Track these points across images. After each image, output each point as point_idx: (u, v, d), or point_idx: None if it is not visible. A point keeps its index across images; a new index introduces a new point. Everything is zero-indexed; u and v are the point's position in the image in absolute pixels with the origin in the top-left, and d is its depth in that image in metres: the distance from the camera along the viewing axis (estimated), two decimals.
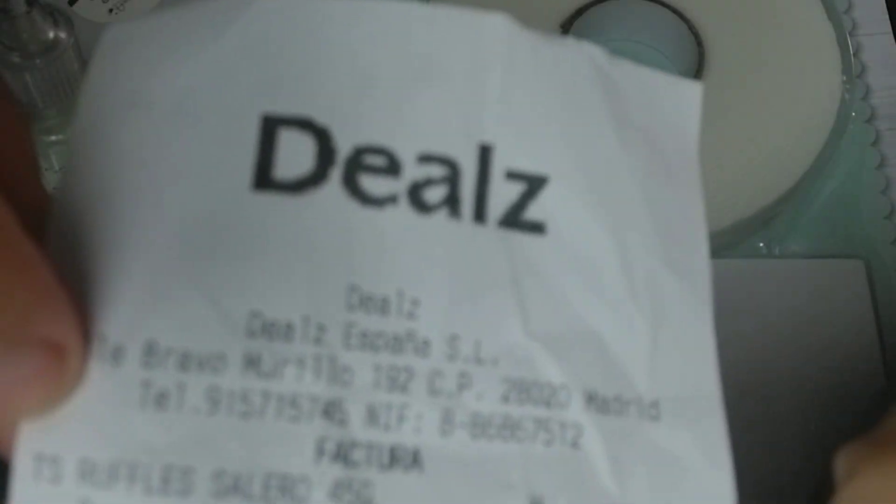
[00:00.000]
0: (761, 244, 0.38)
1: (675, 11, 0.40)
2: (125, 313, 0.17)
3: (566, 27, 0.40)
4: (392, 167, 0.18)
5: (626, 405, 0.19)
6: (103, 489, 0.16)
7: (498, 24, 0.19)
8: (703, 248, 0.21)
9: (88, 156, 0.18)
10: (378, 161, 0.18)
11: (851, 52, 0.40)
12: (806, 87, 0.39)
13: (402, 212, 0.18)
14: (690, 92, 0.21)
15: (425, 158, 0.19)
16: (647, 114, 0.21)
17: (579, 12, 0.40)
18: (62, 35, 0.32)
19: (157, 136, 0.18)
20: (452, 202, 0.19)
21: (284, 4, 0.19)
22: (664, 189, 0.21)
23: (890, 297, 0.37)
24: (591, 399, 0.19)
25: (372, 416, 0.18)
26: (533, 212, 0.19)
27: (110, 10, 0.39)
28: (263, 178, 0.18)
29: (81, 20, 0.39)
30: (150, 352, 0.17)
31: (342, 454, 0.17)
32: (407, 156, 0.19)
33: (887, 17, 0.44)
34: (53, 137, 0.33)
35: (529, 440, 0.19)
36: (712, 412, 0.20)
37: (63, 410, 0.17)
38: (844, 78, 0.40)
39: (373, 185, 0.18)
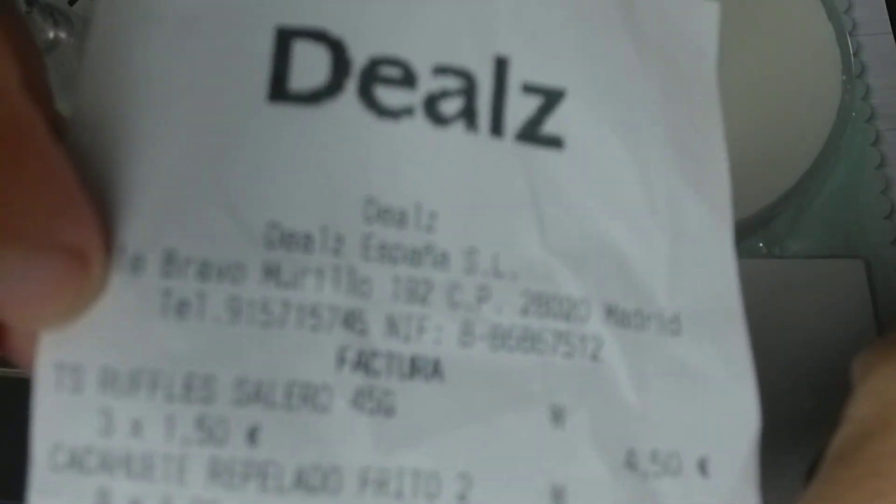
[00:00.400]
0: (761, 244, 0.38)
1: None
2: (144, 223, 0.17)
3: None
4: (407, 78, 0.18)
5: (647, 319, 0.19)
6: (125, 397, 0.16)
7: None
8: (723, 167, 0.20)
9: (103, 70, 0.18)
10: (393, 72, 0.18)
11: (851, 52, 0.40)
12: (806, 87, 0.39)
13: (418, 124, 0.18)
14: (708, 11, 0.21)
15: (441, 70, 0.19)
16: (665, 32, 0.21)
17: None
18: (62, 35, 0.31)
19: (170, 50, 0.17)
20: (469, 115, 0.19)
21: None
22: (683, 108, 0.20)
23: (890, 297, 0.37)
24: (611, 312, 0.19)
25: (392, 326, 0.18)
26: (550, 126, 0.19)
27: None
28: (279, 90, 0.18)
29: (81, 20, 0.39)
30: (170, 261, 0.17)
31: (363, 363, 0.17)
32: (422, 67, 0.18)
33: (887, 17, 0.44)
34: None
35: (549, 352, 0.19)
36: (734, 326, 0.20)
37: (84, 320, 0.16)
38: (844, 78, 0.40)
39: (388, 96, 0.18)
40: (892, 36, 0.44)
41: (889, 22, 0.44)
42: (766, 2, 0.41)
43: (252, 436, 0.17)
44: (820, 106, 0.39)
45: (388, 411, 0.17)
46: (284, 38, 0.18)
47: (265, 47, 0.18)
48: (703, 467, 0.19)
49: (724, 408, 0.19)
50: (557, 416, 0.18)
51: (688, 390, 0.19)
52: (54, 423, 0.17)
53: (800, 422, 0.35)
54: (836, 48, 0.40)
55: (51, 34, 0.31)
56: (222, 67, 0.18)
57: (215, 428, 0.17)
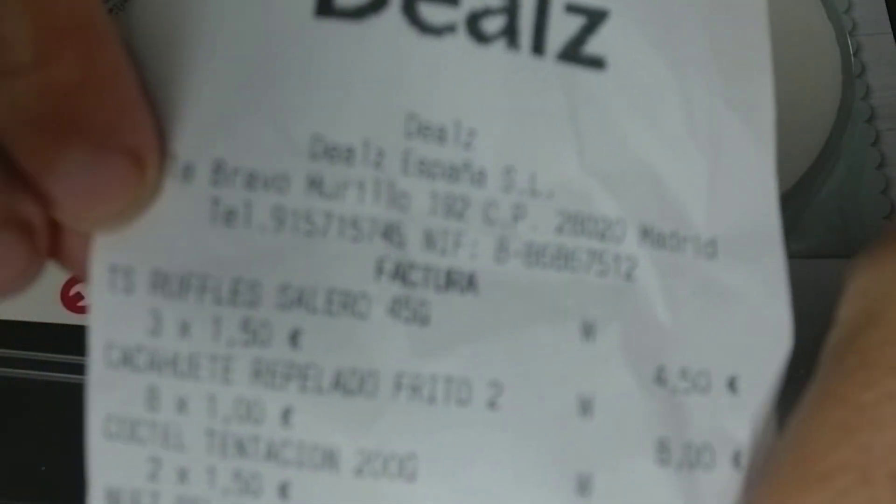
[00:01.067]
0: None
1: None
2: (194, 133, 0.17)
3: None
4: None
5: (683, 241, 0.20)
6: (174, 299, 0.17)
7: None
8: (768, 92, 0.20)
9: None
10: None
11: (851, 52, 0.40)
12: (806, 87, 0.39)
13: (460, 41, 0.19)
14: None
15: None
16: None
17: None
18: None
19: None
20: (511, 33, 0.19)
21: None
22: (728, 31, 0.20)
23: None
24: (647, 233, 0.19)
25: (429, 240, 0.18)
26: (593, 46, 0.19)
27: (111, 10, 0.39)
28: (325, 5, 0.18)
29: None
30: (219, 170, 0.17)
31: (400, 274, 0.18)
32: None
33: (887, 17, 0.44)
34: None
35: (583, 270, 0.19)
36: (771, 247, 0.20)
37: (136, 225, 0.17)
38: (844, 78, 0.40)
39: (431, 13, 0.18)
40: (892, 36, 0.44)
41: (889, 22, 0.44)
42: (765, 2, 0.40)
43: (294, 339, 0.17)
44: (820, 106, 0.39)
45: (424, 320, 0.18)
46: None
47: None
48: (732, 385, 0.19)
49: (757, 326, 0.19)
50: (588, 330, 0.19)
51: (721, 310, 0.19)
52: (108, 322, 0.17)
53: None
54: (836, 48, 0.40)
55: None
56: None
57: (259, 330, 0.17)
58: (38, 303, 0.37)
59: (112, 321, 0.17)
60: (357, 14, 0.18)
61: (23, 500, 0.34)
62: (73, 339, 0.37)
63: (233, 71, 0.18)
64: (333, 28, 0.18)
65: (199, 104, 0.17)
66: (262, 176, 0.17)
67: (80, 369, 0.36)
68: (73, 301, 0.37)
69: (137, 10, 0.18)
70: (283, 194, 0.18)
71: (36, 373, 0.36)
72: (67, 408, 0.36)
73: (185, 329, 0.17)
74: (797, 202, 0.38)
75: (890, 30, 0.44)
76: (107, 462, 0.17)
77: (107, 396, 0.17)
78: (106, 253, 0.17)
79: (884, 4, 0.44)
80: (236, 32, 0.18)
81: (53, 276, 0.37)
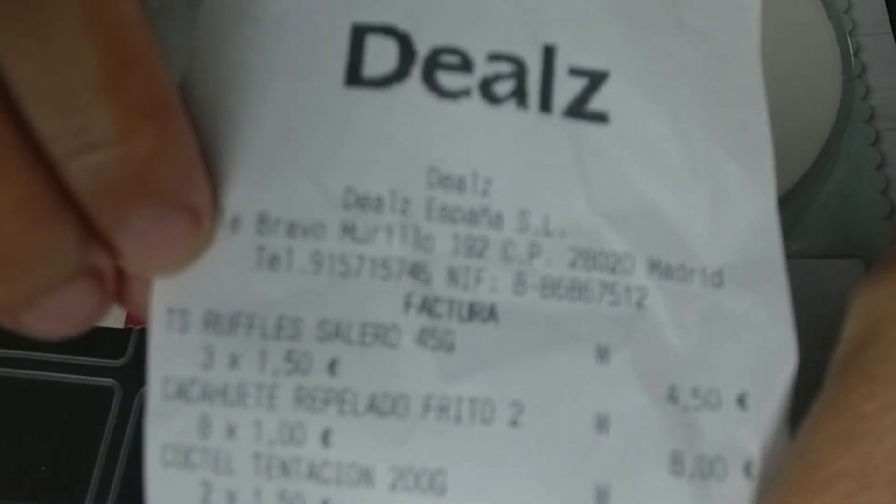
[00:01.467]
0: None
1: None
2: (241, 189, 0.20)
3: None
4: (465, 65, 0.21)
5: (690, 273, 0.21)
6: (225, 335, 0.19)
7: None
8: (765, 137, 0.22)
9: (207, 60, 0.21)
10: (453, 60, 0.21)
11: (851, 52, 0.40)
12: (806, 87, 0.39)
13: (475, 103, 0.21)
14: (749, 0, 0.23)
15: (495, 57, 0.21)
16: (705, 18, 0.23)
17: None
18: None
19: (263, 44, 0.21)
20: (520, 94, 0.21)
21: None
22: (723, 84, 0.22)
23: None
24: (655, 266, 0.21)
25: (452, 276, 0.20)
26: (596, 103, 0.21)
27: None
28: (354, 76, 0.21)
29: None
30: (263, 221, 0.20)
31: (427, 307, 0.20)
32: (478, 55, 0.21)
33: (887, 17, 0.44)
34: None
35: (596, 300, 0.21)
36: (775, 276, 0.21)
37: (191, 271, 0.19)
38: (844, 78, 0.40)
39: (448, 80, 0.21)
40: (892, 36, 0.44)
41: (889, 22, 0.44)
42: (766, 2, 0.40)
43: (332, 367, 0.19)
44: (820, 106, 0.39)
45: (449, 348, 0.20)
46: (359, 33, 0.21)
47: (342, 41, 0.21)
48: (741, 401, 0.20)
49: (763, 348, 0.21)
50: (602, 354, 0.20)
51: (728, 334, 0.21)
52: (165, 358, 0.19)
53: (799, 421, 0.35)
54: (836, 48, 0.40)
55: None
56: (306, 58, 0.21)
57: (301, 360, 0.19)
58: None
59: (169, 358, 0.19)
60: (382, 83, 0.21)
61: (23, 500, 0.34)
62: (73, 340, 0.37)
63: (274, 134, 0.20)
64: (361, 95, 0.20)
65: (245, 163, 0.20)
66: (301, 225, 0.20)
67: (80, 369, 0.36)
68: None
69: (191, 80, 0.20)
70: (321, 240, 0.20)
71: (36, 373, 0.36)
72: (67, 408, 0.36)
73: (234, 361, 0.19)
74: (797, 202, 0.38)
75: (890, 30, 0.44)
76: (163, 489, 0.19)
77: (163, 427, 0.19)
78: (164, 297, 0.19)
79: (884, 4, 0.44)
80: (277, 101, 0.20)
81: None
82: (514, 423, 0.20)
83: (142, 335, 0.37)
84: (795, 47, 0.40)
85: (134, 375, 0.36)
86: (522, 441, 0.19)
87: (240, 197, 0.20)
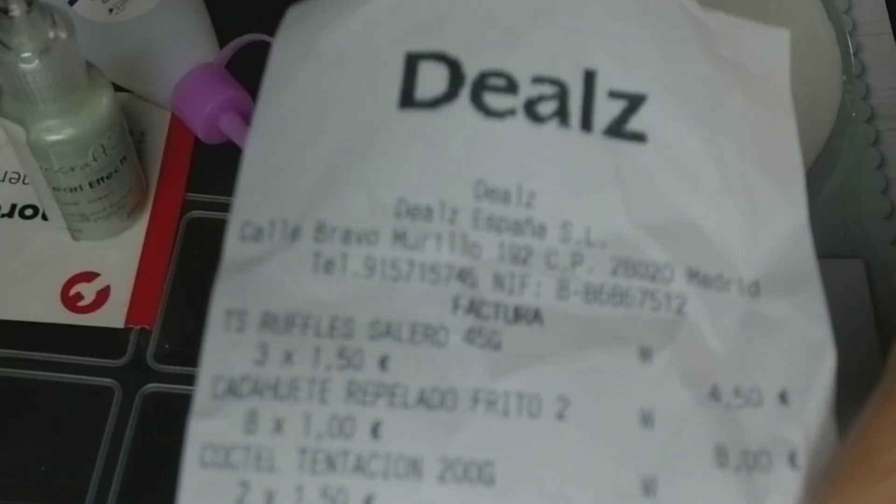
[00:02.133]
0: None
1: None
2: (301, 202, 0.21)
3: None
4: (511, 87, 0.22)
5: (728, 283, 0.22)
6: (280, 334, 0.20)
7: None
8: (796, 157, 0.23)
9: (276, 93, 0.22)
10: (499, 82, 0.22)
11: (851, 52, 0.40)
12: (806, 87, 0.39)
13: (520, 122, 0.22)
14: (778, 37, 0.25)
15: (538, 80, 0.23)
16: (738, 52, 0.24)
17: None
18: (62, 35, 0.31)
19: (325, 76, 0.23)
20: (562, 114, 0.22)
21: None
22: (756, 110, 0.24)
23: (890, 297, 0.37)
24: (693, 275, 0.22)
25: (498, 282, 0.21)
26: (634, 124, 0.23)
27: (110, 10, 0.39)
28: (407, 99, 0.22)
29: (81, 20, 0.39)
30: (320, 230, 0.21)
31: (474, 308, 0.21)
32: (523, 78, 0.22)
33: (887, 17, 0.44)
34: (53, 137, 0.33)
35: (637, 306, 0.21)
36: (810, 284, 0.22)
37: (250, 276, 0.21)
38: (844, 78, 0.40)
39: (495, 101, 0.22)
40: (892, 36, 0.44)
41: (889, 22, 0.44)
42: (766, 2, 0.40)
43: (383, 363, 0.20)
44: (820, 106, 0.39)
45: (496, 346, 0.20)
46: (412, 61, 0.22)
47: (397, 69, 0.22)
48: (783, 398, 0.21)
49: (801, 347, 0.21)
50: (645, 354, 0.21)
51: (767, 337, 0.22)
52: (218, 358, 0.20)
53: None
54: (836, 48, 0.40)
55: (51, 34, 0.31)
56: (364, 86, 0.22)
57: (353, 357, 0.20)
58: (38, 303, 0.37)
59: (222, 357, 0.20)
60: (433, 104, 0.22)
61: (23, 500, 0.34)
62: (73, 339, 0.37)
63: (333, 154, 0.22)
64: (414, 116, 0.22)
65: (306, 180, 0.21)
66: (355, 232, 0.21)
67: (80, 369, 0.36)
68: (73, 301, 0.37)
69: (265, 114, 0.22)
70: (373, 246, 0.21)
71: (36, 373, 0.36)
72: (67, 408, 0.36)
73: (287, 358, 0.20)
74: None
75: (890, 30, 0.44)
76: (197, 491, 0.19)
77: (207, 426, 0.20)
78: (223, 300, 0.20)
79: (884, 4, 0.44)
80: (337, 125, 0.22)
81: (53, 276, 0.38)
82: (560, 416, 0.20)
83: (142, 335, 0.37)
84: (795, 47, 0.40)
85: (134, 375, 0.36)
86: (569, 434, 0.20)
87: (300, 209, 0.21)
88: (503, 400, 0.20)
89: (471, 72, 0.22)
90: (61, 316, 0.37)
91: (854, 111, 0.41)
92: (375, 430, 0.20)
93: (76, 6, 0.39)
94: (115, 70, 0.38)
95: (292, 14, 0.24)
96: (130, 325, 0.37)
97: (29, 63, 0.31)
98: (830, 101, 0.39)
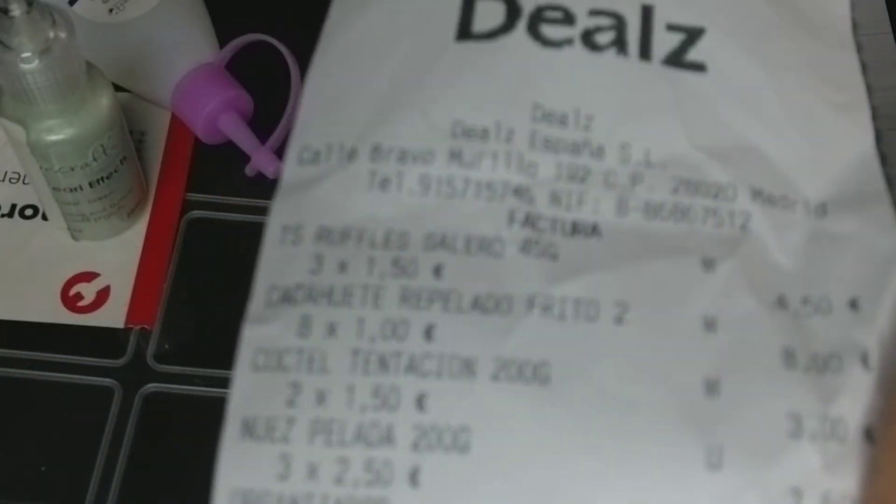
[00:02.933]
0: None
1: None
2: (359, 127, 0.22)
3: None
4: (567, 18, 0.23)
5: (793, 203, 0.22)
6: (336, 246, 0.21)
7: None
8: (859, 89, 0.25)
9: (335, 35, 0.23)
10: (556, 14, 0.23)
11: None
12: None
13: (577, 50, 0.23)
14: None
15: (595, 13, 0.23)
16: None
17: None
18: (62, 35, 0.31)
19: (384, 18, 0.23)
20: (620, 43, 0.23)
21: None
22: (816, 47, 0.24)
23: None
24: (758, 194, 0.22)
25: (555, 198, 0.21)
26: (693, 55, 0.23)
27: (110, 10, 0.39)
28: (464, 32, 0.23)
29: (81, 20, 0.39)
30: (376, 150, 0.22)
31: (530, 222, 0.21)
32: (580, 10, 0.23)
33: (887, 17, 0.44)
34: (53, 137, 0.33)
35: (700, 223, 0.22)
36: (878, 199, 0.22)
37: (306, 194, 0.21)
38: None
39: (552, 31, 0.23)
40: (892, 36, 0.44)
41: (889, 22, 0.44)
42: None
43: (437, 271, 0.21)
44: None
45: (553, 257, 0.21)
46: (469, 1, 0.23)
47: (455, 5, 0.23)
48: (854, 304, 0.21)
49: (871, 256, 0.22)
50: (708, 264, 0.21)
51: (835, 251, 0.22)
52: (273, 269, 0.21)
53: None
54: None
55: (51, 34, 0.31)
56: (422, 23, 0.23)
57: (408, 266, 0.21)
58: (38, 303, 0.37)
59: (278, 268, 0.21)
60: (490, 35, 0.23)
61: (23, 500, 0.34)
62: (73, 339, 0.37)
63: (392, 82, 0.23)
64: (471, 46, 0.23)
65: (364, 107, 0.22)
66: (411, 152, 0.22)
67: (80, 369, 0.36)
68: (73, 301, 0.37)
69: (326, 47, 0.23)
70: (429, 165, 0.22)
71: (36, 373, 0.36)
72: (67, 408, 0.36)
73: (342, 267, 0.20)
74: None
75: (890, 30, 0.44)
76: (248, 392, 0.20)
77: (261, 331, 0.20)
78: (280, 215, 0.21)
79: (884, 4, 0.44)
80: (396, 57, 0.23)
81: (53, 277, 0.38)
82: (619, 320, 0.20)
83: (142, 335, 0.37)
84: None
85: (134, 375, 0.36)
86: (628, 337, 0.20)
87: (358, 133, 0.22)
88: (559, 305, 0.20)
89: (527, 5, 0.23)
90: (61, 316, 0.37)
91: None
92: (429, 333, 0.20)
93: (76, 6, 0.39)
94: (115, 70, 0.38)
95: None
96: (130, 325, 0.37)
97: (29, 63, 0.31)
98: None
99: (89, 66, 0.34)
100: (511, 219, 0.21)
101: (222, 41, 0.41)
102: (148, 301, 0.37)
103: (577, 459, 0.19)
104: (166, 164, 0.40)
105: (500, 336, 0.20)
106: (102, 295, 0.37)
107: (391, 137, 0.22)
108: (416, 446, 0.19)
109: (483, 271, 0.21)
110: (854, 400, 0.20)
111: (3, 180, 0.39)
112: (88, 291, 0.37)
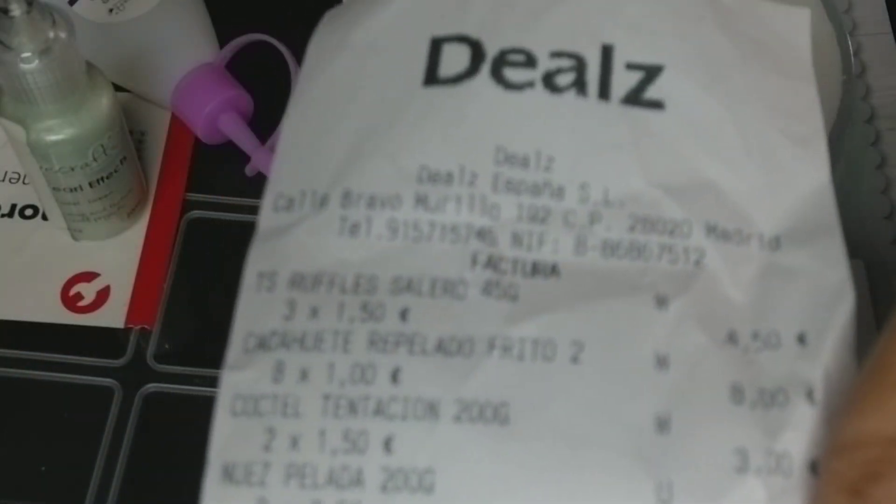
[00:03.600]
0: None
1: None
2: (330, 174, 0.23)
3: None
4: (529, 62, 0.24)
5: (748, 238, 0.23)
6: (307, 291, 0.21)
7: None
8: (817, 124, 0.24)
9: (309, 80, 0.24)
10: (518, 58, 0.24)
11: (851, 52, 0.40)
12: None
13: (538, 93, 0.23)
14: (799, 15, 0.25)
15: (556, 54, 0.24)
16: (756, 28, 0.25)
17: None
18: (62, 35, 0.31)
19: (356, 63, 0.24)
20: (580, 85, 0.23)
21: None
22: (776, 79, 0.24)
23: (890, 297, 0.37)
24: (712, 230, 0.22)
25: (516, 239, 0.22)
26: (651, 92, 0.24)
27: (110, 10, 0.39)
28: (431, 77, 0.23)
29: (81, 20, 0.39)
30: (347, 196, 0.22)
31: (492, 264, 0.22)
32: (541, 53, 0.24)
33: (887, 17, 0.44)
34: (53, 137, 0.33)
35: (654, 259, 0.22)
36: (831, 232, 0.23)
37: (280, 241, 0.22)
38: (844, 78, 0.40)
39: (514, 74, 0.23)
40: (892, 36, 0.44)
41: (889, 22, 0.44)
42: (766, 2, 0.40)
43: (404, 315, 0.21)
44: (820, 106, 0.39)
45: (513, 298, 0.21)
46: (437, 44, 0.24)
47: (422, 52, 0.24)
48: (801, 339, 0.21)
49: (820, 290, 0.22)
50: (661, 301, 0.22)
51: (786, 285, 0.22)
52: (250, 316, 0.21)
53: None
54: (836, 48, 0.40)
55: (51, 34, 0.31)
56: (391, 69, 0.24)
57: (375, 310, 0.21)
58: (38, 303, 0.37)
59: (254, 314, 0.21)
60: (455, 80, 0.23)
61: (23, 500, 0.34)
62: (73, 339, 0.37)
63: (359, 129, 0.23)
64: (437, 91, 0.23)
65: (335, 154, 0.23)
66: (379, 197, 0.22)
67: (80, 369, 0.36)
68: (73, 301, 0.37)
69: (301, 98, 0.24)
70: (396, 210, 0.22)
71: (36, 373, 0.36)
72: (67, 408, 0.36)
73: (314, 313, 0.21)
74: None
75: (890, 30, 0.44)
76: (227, 438, 0.20)
77: (238, 377, 0.21)
78: (256, 263, 0.22)
79: (884, 4, 0.44)
80: (364, 105, 0.24)
81: (53, 276, 0.38)
82: (575, 359, 0.21)
83: (142, 335, 0.37)
84: None
85: (134, 375, 0.36)
86: (583, 375, 0.21)
87: (329, 179, 0.22)
88: (518, 345, 0.21)
89: (491, 50, 0.24)
90: (61, 316, 0.37)
91: (854, 111, 0.41)
92: (395, 376, 0.20)
93: (76, 6, 0.39)
94: (115, 70, 0.38)
95: (328, 15, 0.25)
96: (130, 325, 0.37)
97: (29, 63, 0.31)
98: (830, 101, 0.39)
99: (89, 66, 0.34)
100: (474, 261, 0.22)
101: (222, 41, 0.41)
102: (148, 301, 0.37)
103: (532, 494, 0.20)
104: (166, 164, 0.40)
105: (462, 378, 0.21)
106: (102, 295, 0.37)
107: (361, 183, 0.22)
108: (384, 488, 0.20)
109: (446, 313, 0.21)
110: (799, 434, 0.20)
111: (3, 180, 0.39)
112: (88, 291, 0.37)
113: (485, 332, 0.21)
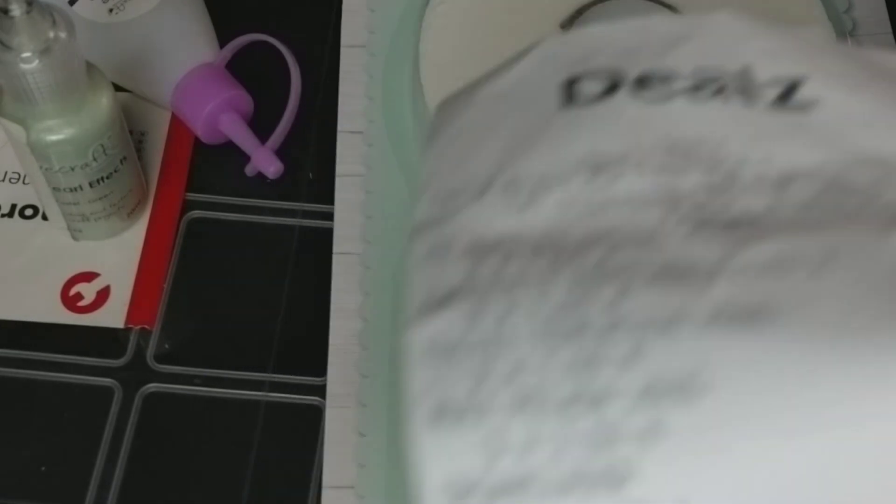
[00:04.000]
0: None
1: (673, 11, 0.40)
2: (489, 165, 0.24)
3: (566, 26, 0.40)
4: (669, 79, 0.24)
5: None
6: (489, 252, 0.22)
7: (727, 18, 0.26)
8: None
9: (441, 131, 0.25)
10: (657, 77, 0.24)
11: None
12: None
13: (681, 103, 0.24)
14: None
15: (699, 70, 0.24)
16: (874, 60, 0.26)
17: (579, 12, 0.40)
18: (62, 35, 0.31)
19: (487, 110, 0.25)
20: (723, 95, 0.24)
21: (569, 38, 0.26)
22: None
23: None
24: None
25: (700, 207, 0.22)
26: (800, 97, 0.24)
27: (110, 10, 0.39)
28: (567, 100, 0.24)
29: (81, 20, 0.39)
30: (515, 182, 0.23)
31: (685, 219, 0.22)
32: (683, 70, 0.24)
33: (887, 17, 0.44)
34: (53, 137, 0.33)
35: (854, 213, 0.22)
36: None
37: (446, 226, 0.23)
38: None
39: (653, 92, 0.24)
40: (892, 36, 0.44)
41: (889, 22, 0.44)
42: (766, 2, 0.40)
43: (600, 263, 0.21)
44: None
45: (728, 230, 0.21)
46: (570, 82, 0.25)
47: (555, 89, 0.24)
48: None
49: None
50: (884, 230, 0.22)
51: None
52: (425, 283, 0.22)
53: None
54: None
55: (51, 34, 0.31)
56: (524, 107, 0.25)
57: (574, 255, 0.22)
58: (38, 303, 0.37)
59: (431, 281, 0.22)
60: (594, 100, 0.24)
61: (23, 500, 0.34)
62: (73, 339, 0.37)
63: (501, 152, 0.24)
64: (576, 111, 0.24)
65: (489, 156, 0.24)
66: (548, 178, 0.23)
67: (80, 369, 0.36)
68: (73, 301, 0.37)
69: (440, 130, 0.25)
70: (565, 189, 0.23)
71: (36, 373, 0.36)
72: (67, 408, 0.36)
73: (507, 258, 0.22)
74: None
75: (890, 30, 0.44)
76: (429, 383, 0.20)
77: (429, 328, 0.21)
78: (423, 244, 0.23)
79: (884, 4, 0.44)
80: (510, 128, 0.25)
81: (53, 276, 0.38)
82: (819, 268, 0.21)
83: (142, 335, 0.37)
84: None
85: (134, 375, 0.36)
86: (833, 279, 0.21)
87: (491, 170, 0.24)
88: (752, 268, 0.21)
89: (631, 74, 0.24)
90: (61, 316, 0.37)
91: None
92: (622, 295, 0.21)
93: (76, 6, 0.39)
94: (115, 70, 0.38)
95: (444, 100, 0.26)
96: (130, 325, 0.37)
97: (29, 63, 0.31)
98: None
99: (89, 66, 0.34)
100: (664, 221, 0.22)
101: (222, 41, 0.41)
102: (148, 301, 0.37)
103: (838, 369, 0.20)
104: (166, 164, 0.40)
105: (700, 290, 0.21)
106: (102, 295, 0.37)
107: (524, 171, 0.23)
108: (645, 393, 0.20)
109: (655, 252, 0.21)
110: None
111: (3, 180, 0.39)
112: (88, 291, 0.37)
113: (707, 258, 0.21)
